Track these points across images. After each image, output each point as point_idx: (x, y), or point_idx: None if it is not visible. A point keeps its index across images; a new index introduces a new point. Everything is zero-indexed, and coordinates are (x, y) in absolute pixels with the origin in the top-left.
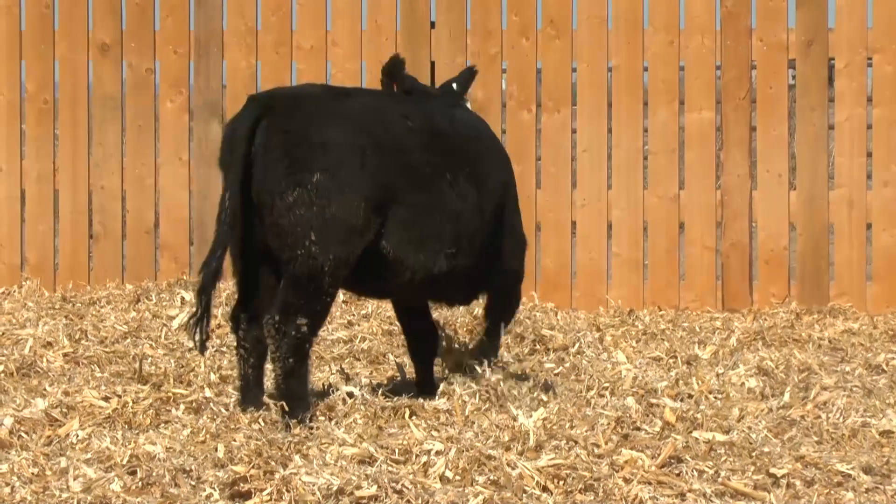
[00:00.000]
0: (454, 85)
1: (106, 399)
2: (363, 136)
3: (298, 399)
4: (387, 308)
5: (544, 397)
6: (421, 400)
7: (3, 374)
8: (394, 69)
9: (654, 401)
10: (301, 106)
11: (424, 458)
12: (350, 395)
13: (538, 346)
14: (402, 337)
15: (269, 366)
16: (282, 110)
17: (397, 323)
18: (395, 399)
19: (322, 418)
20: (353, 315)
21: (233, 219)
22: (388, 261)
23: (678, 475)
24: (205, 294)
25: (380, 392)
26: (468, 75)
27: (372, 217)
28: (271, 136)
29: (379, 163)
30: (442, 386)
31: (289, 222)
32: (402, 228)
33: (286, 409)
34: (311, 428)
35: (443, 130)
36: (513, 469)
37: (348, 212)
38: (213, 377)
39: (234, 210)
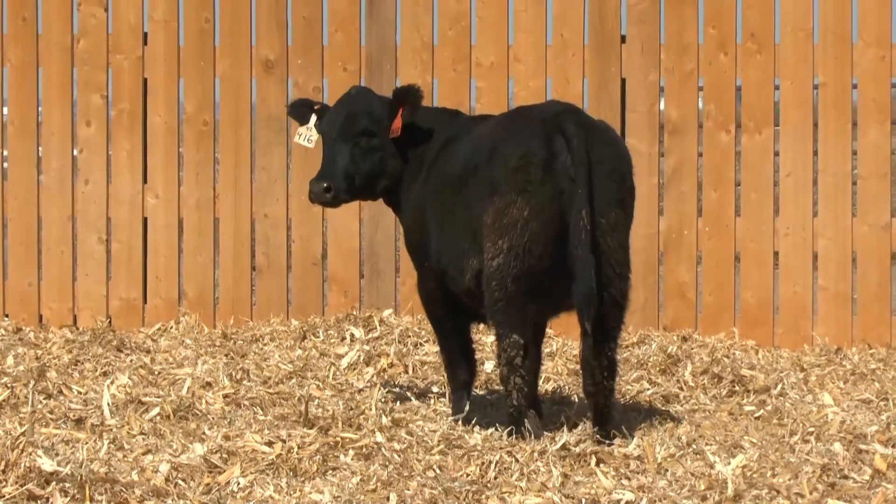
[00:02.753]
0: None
1: (269, 444)
2: None
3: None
4: (573, 347)
5: (744, 443)
6: (609, 445)
7: (159, 417)
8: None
9: (863, 447)
10: (591, 124)
11: None
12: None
13: (737, 388)
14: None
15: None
16: (588, 128)
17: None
18: (581, 444)
19: (507, 461)
20: None
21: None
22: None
23: None
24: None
25: (564, 437)
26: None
27: None
28: (603, 154)
29: None
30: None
31: (615, 243)
32: None
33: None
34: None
35: None
36: None
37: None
38: (384, 420)
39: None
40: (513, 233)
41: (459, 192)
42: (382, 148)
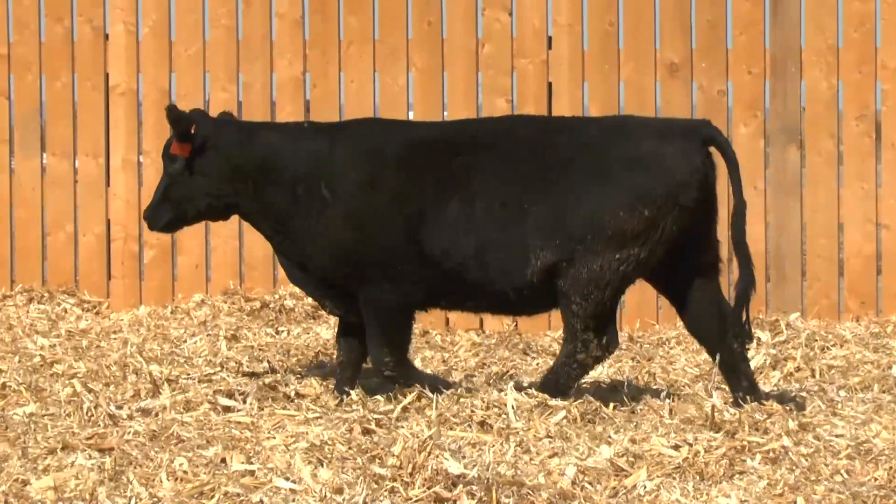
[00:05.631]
0: None
1: (675, 448)
2: None
3: None
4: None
5: None
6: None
7: (565, 421)
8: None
9: None
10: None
11: None
12: None
13: None
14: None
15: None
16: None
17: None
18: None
19: None
20: None
21: None
22: None
23: None
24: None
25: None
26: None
27: None
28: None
29: None
30: None
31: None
32: None
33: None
34: None
35: None
36: None
37: None
38: (791, 424)
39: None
40: (654, 236)
41: (530, 191)
42: (184, 172)
